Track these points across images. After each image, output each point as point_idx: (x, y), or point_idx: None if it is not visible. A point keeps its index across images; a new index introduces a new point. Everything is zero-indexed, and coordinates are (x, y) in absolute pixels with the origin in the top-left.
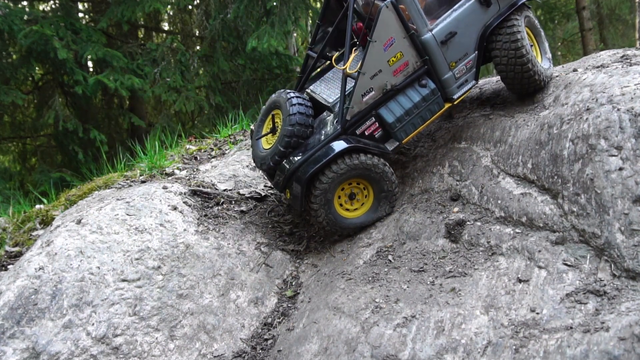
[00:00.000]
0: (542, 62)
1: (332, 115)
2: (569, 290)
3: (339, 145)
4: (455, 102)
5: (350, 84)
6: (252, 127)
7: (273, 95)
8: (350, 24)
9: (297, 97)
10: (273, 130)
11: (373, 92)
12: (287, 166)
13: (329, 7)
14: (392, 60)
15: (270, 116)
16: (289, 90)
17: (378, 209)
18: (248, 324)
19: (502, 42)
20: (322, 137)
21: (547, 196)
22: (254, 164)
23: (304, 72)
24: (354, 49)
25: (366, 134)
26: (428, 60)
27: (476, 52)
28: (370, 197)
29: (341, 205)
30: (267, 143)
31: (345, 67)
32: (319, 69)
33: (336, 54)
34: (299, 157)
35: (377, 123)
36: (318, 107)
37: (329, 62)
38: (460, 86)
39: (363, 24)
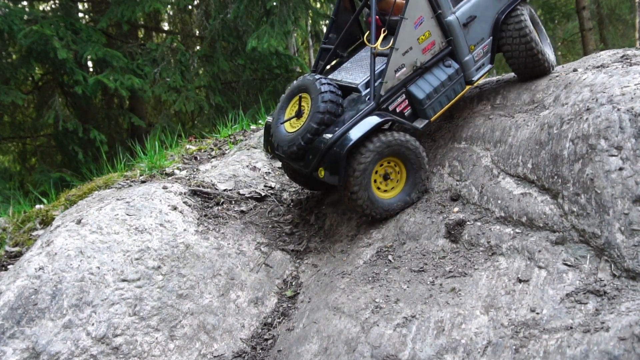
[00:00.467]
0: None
1: (361, 94)
2: (569, 290)
3: (375, 119)
4: (474, 84)
5: (379, 64)
6: (268, 117)
7: (295, 82)
8: (374, 7)
9: (324, 77)
10: (298, 114)
11: (405, 69)
12: (322, 143)
13: (340, 9)
14: (422, 39)
15: (294, 100)
16: (313, 74)
17: (413, 188)
18: (248, 324)
19: (507, 25)
20: (356, 113)
21: (547, 196)
22: (271, 152)
23: (317, 65)
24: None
25: (397, 111)
26: (452, 41)
27: (491, 37)
28: (403, 176)
29: (378, 188)
30: (291, 127)
31: (376, 46)
32: (333, 63)
33: (366, 34)
34: (332, 135)
35: (407, 100)
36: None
37: (350, 49)
38: (479, 69)
39: (379, 19)
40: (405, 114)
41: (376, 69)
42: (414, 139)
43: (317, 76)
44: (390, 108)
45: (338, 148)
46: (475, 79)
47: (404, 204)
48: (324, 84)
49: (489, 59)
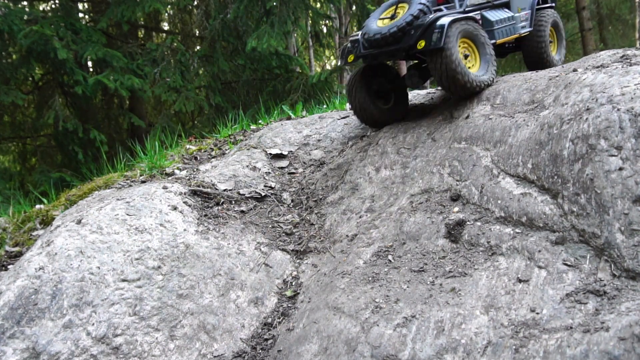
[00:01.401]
0: (557, 54)
1: (442, 9)
2: (569, 290)
3: (466, 15)
4: (519, 35)
5: None
6: (352, 35)
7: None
8: None
9: None
10: (393, 17)
11: None
12: (424, 22)
13: None
14: None
15: (390, 9)
16: None
17: (487, 62)
18: (248, 324)
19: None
20: (447, 12)
21: (547, 196)
22: (354, 57)
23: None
24: None
25: None
26: None
27: (530, 10)
28: (477, 56)
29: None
30: (382, 24)
31: None
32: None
33: None
34: (433, 16)
35: (480, 22)
36: None
37: None
38: (522, 27)
39: None
40: None
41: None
42: (479, 25)
43: None
44: None
45: (441, 23)
46: (519, 32)
47: (486, 75)
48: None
49: (529, 24)
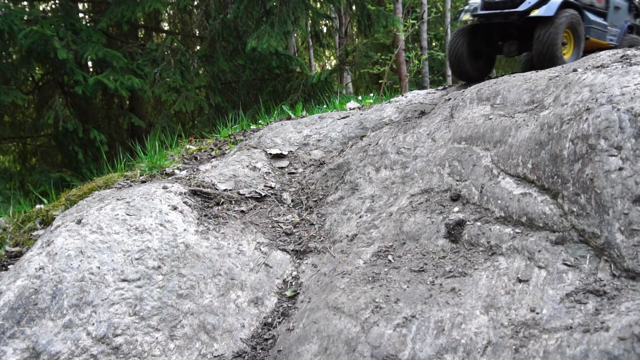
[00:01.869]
0: None
1: None
2: (569, 290)
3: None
4: (604, 44)
5: None
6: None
7: None
8: None
9: None
10: None
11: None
12: None
13: None
14: None
15: None
16: None
17: (578, 51)
18: (248, 324)
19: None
20: None
21: (547, 196)
22: (471, 18)
23: None
24: None
25: None
26: (607, 8)
27: (619, 30)
28: (571, 44)
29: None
30: None
31: None
32: None
33: None
34: None
35: (582, 18)
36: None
37: None
38: (610, 40)
39: None
40: None
41: None
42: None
43: None
44: None
45: (554, 1)
46: (607, 42)
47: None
48: None
49: (617, 39)
